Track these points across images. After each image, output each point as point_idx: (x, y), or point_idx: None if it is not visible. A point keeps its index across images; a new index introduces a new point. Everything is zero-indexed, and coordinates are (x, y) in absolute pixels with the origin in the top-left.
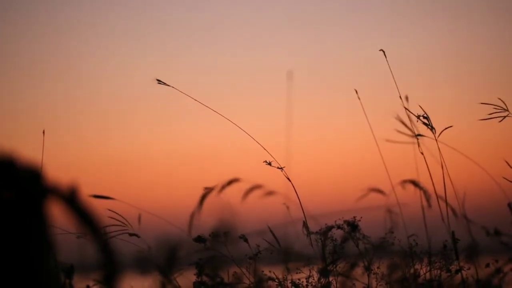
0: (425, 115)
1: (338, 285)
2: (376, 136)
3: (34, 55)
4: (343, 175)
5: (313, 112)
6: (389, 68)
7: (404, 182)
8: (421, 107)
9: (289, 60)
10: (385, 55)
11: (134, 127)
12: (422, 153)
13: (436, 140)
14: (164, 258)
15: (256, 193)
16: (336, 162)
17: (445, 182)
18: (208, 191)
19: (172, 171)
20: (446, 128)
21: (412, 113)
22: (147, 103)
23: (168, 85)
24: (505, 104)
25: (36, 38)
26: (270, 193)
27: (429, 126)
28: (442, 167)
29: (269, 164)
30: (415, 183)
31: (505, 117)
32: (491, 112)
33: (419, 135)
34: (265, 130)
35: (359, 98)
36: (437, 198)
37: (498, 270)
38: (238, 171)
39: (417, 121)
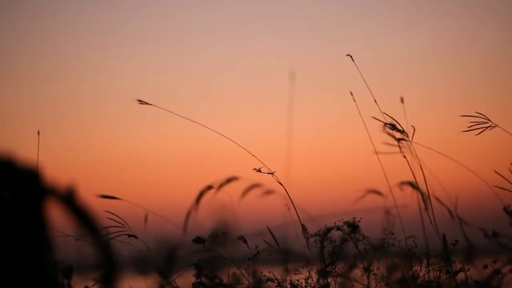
0: (392, 123)
1: (337, 286)
2: (372, 138)
3: (31, 55)
4: (341, 176)
5: (311, 113)
6: (359, 72)
7: (402, 183)
8: (387, 114)
9: (288, 63)
10: (352, 60)
11: (129, 128)
12: (404, 157)
13: (410, 143)
14: (163, 259)
15: (255, 192)
16: (334, 163)
17: (427, 184)
18: (205, 189)
19: (169, 173)
20: (414, 132)
21: (380, 120)
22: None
23: (150, 104)
24: (485, 116)
25: (33, 38)
26: (268, 192)
27: (401, 132)
28: (422, 170)
29: (259, 171)
30: (412, 185)
31: (486, 128)
32: (471, 125)
33: (401, 139)
34: (265, 130)
35: (354, 100)
36: (428, 200)
37: (497, 271)
38: (237, 171)
39: (384, 129)
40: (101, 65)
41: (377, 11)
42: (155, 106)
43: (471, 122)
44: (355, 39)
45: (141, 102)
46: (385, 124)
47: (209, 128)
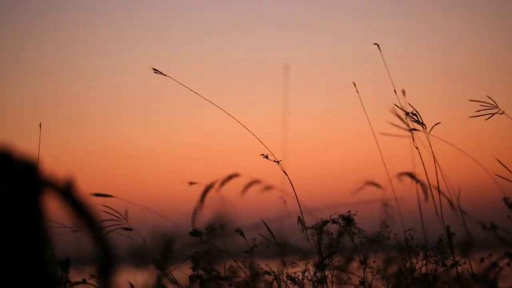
0: (414, 112)
1: (334, 279)
2: (373, 129)
3: (33, 49)
4: (340, 168)
5: (310, 105)
6: (384, 62)
7: (401, 174)
8: (410, 105)
9: (287, 54)
10: (379, 48)
11: (131, 121)
12: (417, 148)
13: (427, 135)
14: (160, 251)
15: (255, 187)
16: (333, 155)
17: (438, 176)
18: (209, 186)
19: (167, 163)
20: (436, 124)
21: (402, 109)
22: (144, 97)
23: (165, 75)
24: (494, 101)
25: (35, 31)
26: (268, 187)
27: (419, 123)
28: (435, 162)
29: (266, 157)
30: (412, 176)
31: (494, 114)
32: (479, 109)
33: (413, 129)
34: (263, 123)
35: (357, 91)
36: (428, 190)
37: (494, 265)
38: (236, 164)
39: (406, 118)
40: (104, 59)
41: (376, 6)
42: (169, 77)
43: (480, 105)
44: (355, 37)
45: (156, 71)
46: (407, 113)
47: (221, 108)
